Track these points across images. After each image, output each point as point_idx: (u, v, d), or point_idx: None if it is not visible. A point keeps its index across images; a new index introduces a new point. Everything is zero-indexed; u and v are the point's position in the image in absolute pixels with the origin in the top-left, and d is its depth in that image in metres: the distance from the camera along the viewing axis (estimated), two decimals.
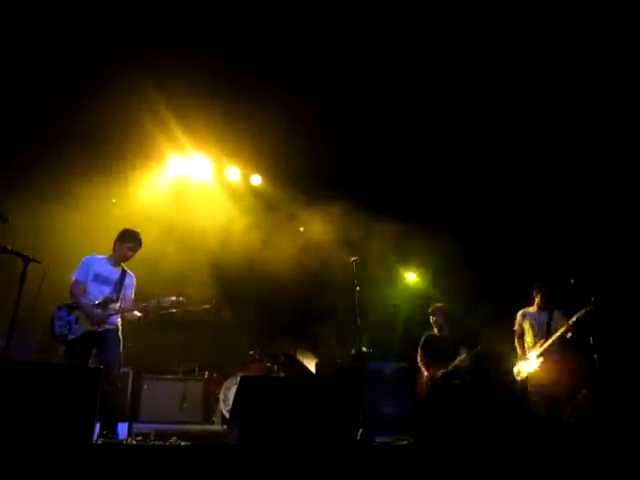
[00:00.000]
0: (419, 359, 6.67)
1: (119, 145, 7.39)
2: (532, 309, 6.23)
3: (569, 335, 5.76)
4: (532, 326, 6.11)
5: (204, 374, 7.65)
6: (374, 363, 7.39)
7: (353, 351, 7.42)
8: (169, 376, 7.37)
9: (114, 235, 5.20)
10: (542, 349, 5.89)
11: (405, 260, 8.62)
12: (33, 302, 4.29)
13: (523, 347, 6.16)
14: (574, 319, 5.72)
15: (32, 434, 3.46)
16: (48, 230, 7.01)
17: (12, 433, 3.42)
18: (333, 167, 7.66)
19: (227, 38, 6.27)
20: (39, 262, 4.42)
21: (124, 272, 5.16)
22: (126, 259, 5.18)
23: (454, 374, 6.33)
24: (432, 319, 6.71)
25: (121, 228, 5.24)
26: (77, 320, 4.82)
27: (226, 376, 7.41)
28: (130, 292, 5.21)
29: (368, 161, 7.86)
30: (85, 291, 4.93)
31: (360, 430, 5.10)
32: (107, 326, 4.91)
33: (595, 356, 5.25)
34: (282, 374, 7.61)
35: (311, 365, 8.43)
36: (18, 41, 6.00)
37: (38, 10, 5.73)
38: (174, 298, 5.16)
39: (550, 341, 5.85)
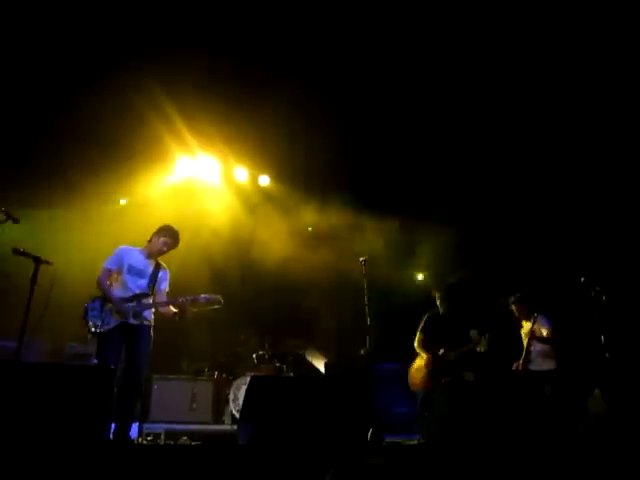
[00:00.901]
0: (417, 344, 6.23)
1: (127, 146, 7.39)
2: (524, 321, 6.32)
3: (532, 344, 6.02)
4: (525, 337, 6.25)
5: (214, 374, 7.65)
6: (384, 363, 7.37)
7: (362, 351, 7.41)
8: (179, 376, 7.38)
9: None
10: (521, 361, 6.10)
11: (413, 260, 8.59)
12: (44, 304, 4.30)
13: None
14: (527, 331, 6.04)
15: (45, 434, 3.48)
16: (57, 231, 7.05)
17: (26, 433, 3.44)
18: (341, 166, 7.64)
19: (233, 38, 6.27)
20: (50, 263, 4.43)
21: (158, 265, 5.07)
22: (160, 253, 5.07)
23: (468, 357, 5.97)
24: (438, 295, 6.36)
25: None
26: (111, 312, 4.70)
27: (235, 376, 7.43)
28: (165, 286, 5.09)
29: (375, 160, 7.84)
30: (119, 282, 4.84)
31: (370, 430, 5.10)
32: (142, 321, 4.80)
33: (607, 355, 5.25)
34: (291, 374, 7.62)
35: (320, 365, 8.42)
36: (26, 42, 6.04)
37: (45, 11, 5.75)
38: (210, 296, 4.99)
39: (523, 355, 6.08)
